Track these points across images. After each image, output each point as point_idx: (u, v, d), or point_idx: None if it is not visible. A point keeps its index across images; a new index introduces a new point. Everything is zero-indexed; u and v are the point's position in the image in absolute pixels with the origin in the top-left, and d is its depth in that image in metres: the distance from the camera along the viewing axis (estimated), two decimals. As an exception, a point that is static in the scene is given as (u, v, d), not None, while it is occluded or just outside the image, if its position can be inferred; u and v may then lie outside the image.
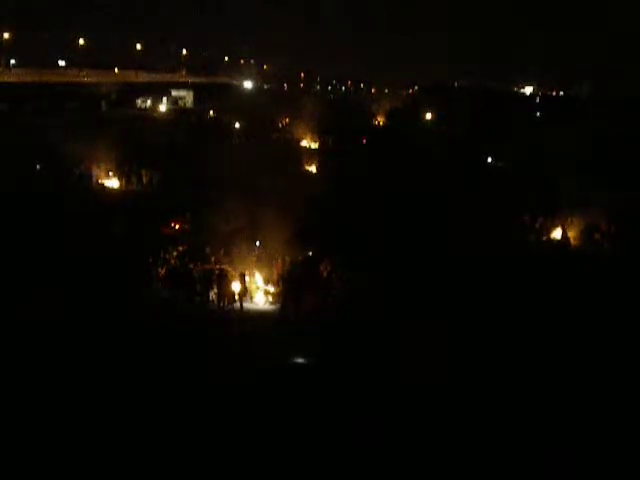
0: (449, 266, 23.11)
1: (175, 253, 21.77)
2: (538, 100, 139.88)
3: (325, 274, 20.99)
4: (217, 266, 20.87)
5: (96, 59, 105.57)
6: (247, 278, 20.71)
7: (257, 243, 22.64)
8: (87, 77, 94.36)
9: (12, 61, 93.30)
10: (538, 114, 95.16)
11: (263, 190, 28.72)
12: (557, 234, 29.04)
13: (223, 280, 20.15)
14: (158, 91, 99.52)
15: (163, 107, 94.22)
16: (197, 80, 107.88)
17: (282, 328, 18.37)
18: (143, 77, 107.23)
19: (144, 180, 37.42)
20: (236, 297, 20.07)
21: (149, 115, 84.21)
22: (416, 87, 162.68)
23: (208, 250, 22.00)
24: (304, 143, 59.02)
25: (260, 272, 21.14)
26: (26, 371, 14.76)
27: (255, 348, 16.63)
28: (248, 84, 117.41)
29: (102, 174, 37.24)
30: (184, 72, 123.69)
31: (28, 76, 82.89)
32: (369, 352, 16.44)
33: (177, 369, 15.18)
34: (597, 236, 28.33)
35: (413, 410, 14.03)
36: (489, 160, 52.48)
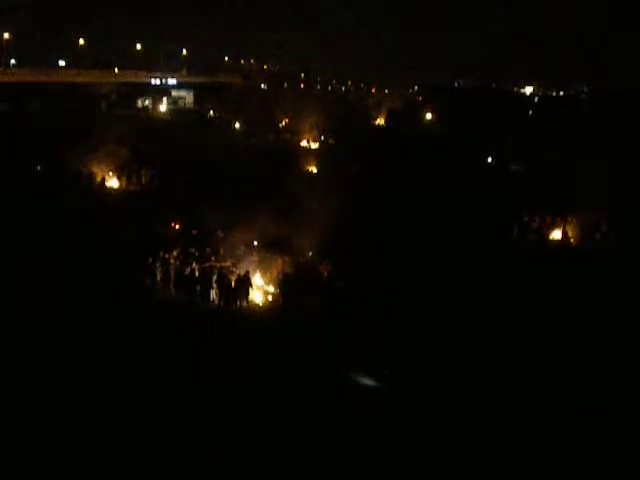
0: (449, 265, 23.17)
1: (175, 253, 21.77)
2: (538, 100, 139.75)
3: (326, 274, 21.01)
4: (217, 264, 20.89)
5: (96, 59, 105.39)
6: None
7: (255, 243, 22.66)
8: (87, 77, 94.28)
9: (12, 61, 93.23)
10: (538, 114, 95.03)
11: (261, 191, 28.72)
12: (557, 234, 29.02)
13: (224, 279, 20.18)
14: (158, 91, 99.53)
15: (163, 107, 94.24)
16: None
17: (282, 326, 18.40)
18: (143, 77, 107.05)
19: (144, 180, 37.42)
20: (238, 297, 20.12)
21: (149, 115, 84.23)
22: (416, 87, 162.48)
23: (208, 250, 22.03)
24: (304, 143, 59.02)
25: (261, 272, 21.13)
26: (30, 369, 14.82)
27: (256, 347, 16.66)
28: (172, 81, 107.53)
29: (102, 174, 37.22)
30: (184, 72, 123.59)
31: (28, 76, 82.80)
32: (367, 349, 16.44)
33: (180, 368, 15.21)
34: (597, 236, 28.31)
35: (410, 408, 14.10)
36: (489, 160, 52.47)
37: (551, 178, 38.63)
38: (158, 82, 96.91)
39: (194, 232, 24.08)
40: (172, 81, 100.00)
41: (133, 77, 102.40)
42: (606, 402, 14.57)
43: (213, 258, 21.48)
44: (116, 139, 38.46)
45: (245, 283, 20.12)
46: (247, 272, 20.30)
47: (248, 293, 20.22)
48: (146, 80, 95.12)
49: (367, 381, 15.09)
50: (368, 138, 60.95)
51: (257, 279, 21.11)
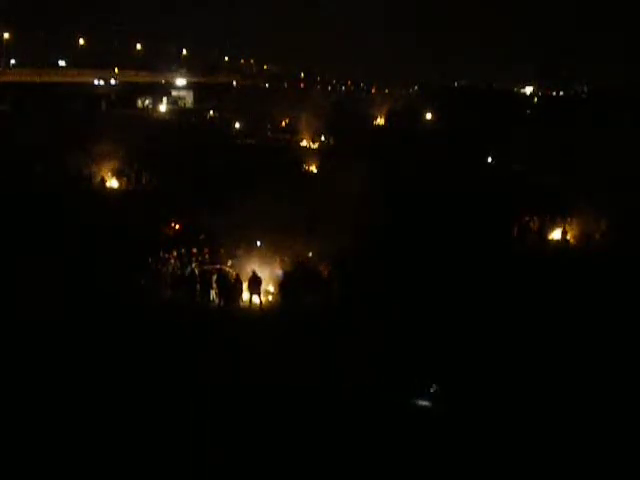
0: (449, 265, 23.19)
1: (175, 253, 21.79)
2: (538, 100, 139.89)
3: (326, 273, 21.03)
4: (217, 266, 20.91)
5: (96, 59, 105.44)
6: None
7: (258, 243, 22.65)
8: (87, 77, 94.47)
9: (12, 61, 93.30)
10: (538, 114, 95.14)
11: (261, 191, 28.65)
12: (557, 234, 28.99)
13: (224, 280, 20.21)
14: (158, 91, 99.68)
15: (163, 107, 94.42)
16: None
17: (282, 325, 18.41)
18: (143, 77, 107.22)
19: (144, 180, 37.41)
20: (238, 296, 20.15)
21: (149, 115, 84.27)
22: (416, 87, 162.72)
23: (207, 250, 22.05)
24: (304, 143, 59.03)
25: (261, 272, 21.13)
26: (30, 369, 14.84)
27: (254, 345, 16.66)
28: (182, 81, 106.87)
29: (102, 174, 37.24)
30: (184, 72, 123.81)
31: (28, 76, 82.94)
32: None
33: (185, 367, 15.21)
34: (597, 236, 28.30)
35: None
36: (489, 160, 52.44)
37: (551, 178, 38.62)
38: (102, 82, 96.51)
39: (201, 237, 23.90)
40: (112, 82, 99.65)
41: (142, 78, 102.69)
42: (606, 403, 14.57)
43: (208, 257, 21.52)
44: (116, 139, 38.46)
45: (259, 282, 20.20)
46: (254, 271, 20.30)
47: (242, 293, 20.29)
48: (89, 80, 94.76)
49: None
50: (368, 138, 60.97)
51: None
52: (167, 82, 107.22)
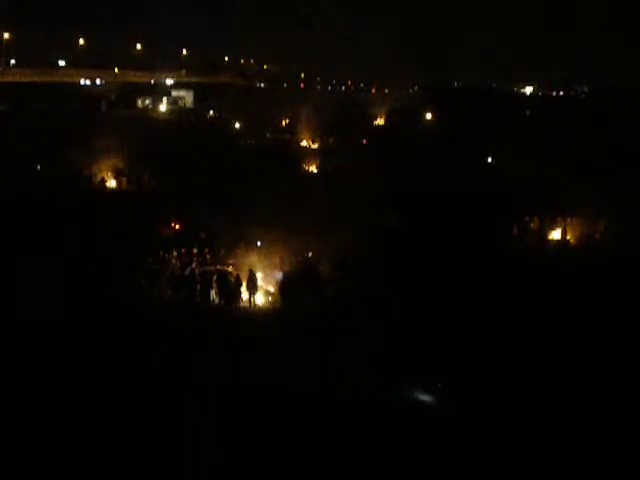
0: (448, 265, 23.19)
1: (175, 253, 21.81)
2: (538, 100, 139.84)
3: (326, 273, 21.05)
4: (217, 266, 20.94)
5: (96, 59, 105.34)
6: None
7: (258, 243, 22.66)
8: (87, 77, 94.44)
9: (12, 61, 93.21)
10: (538, 114, 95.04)
11: (261, 190, 28.69)
12: (556, 234, 29.00)
13: (224, 280, 20.23)
14: (158, 91, 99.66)
15: (163, 107, 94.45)
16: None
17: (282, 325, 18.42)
18: (143, 77, 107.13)
19: (144, 180, 37.40)
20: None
21: (149, 115, 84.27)
22: (416, 87, 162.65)
23: (207, 250, 22.07)
24: (304, 143, 59.00)
25: (261, 272, 21.16)
26: (32, 369, 14.84)
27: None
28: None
29: (102, 174, 37.24)
30: (184, 72, 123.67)
31: (28, 76, 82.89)
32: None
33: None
34: (597, 236, 28.29)
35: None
36: (489, 160, 52.42)
37: (551, 178, 38.58)
38: (88, 82, 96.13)
39: (201, 237, 23.88)
40: (97, 81, 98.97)
41: (131, 77, 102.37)
42: (607, 400, 14.57)
43: (208, 257, 21.53)
44: (116, 139, 38.45)
45: (255, 282, 20.19)
46: (250, 270, 20.29)
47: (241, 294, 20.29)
48: (77, 80, 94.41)
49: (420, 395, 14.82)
50: (368, 138, 60.94)
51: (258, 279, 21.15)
52: (157, 82, 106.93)
